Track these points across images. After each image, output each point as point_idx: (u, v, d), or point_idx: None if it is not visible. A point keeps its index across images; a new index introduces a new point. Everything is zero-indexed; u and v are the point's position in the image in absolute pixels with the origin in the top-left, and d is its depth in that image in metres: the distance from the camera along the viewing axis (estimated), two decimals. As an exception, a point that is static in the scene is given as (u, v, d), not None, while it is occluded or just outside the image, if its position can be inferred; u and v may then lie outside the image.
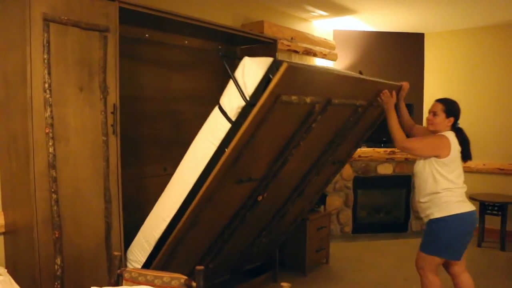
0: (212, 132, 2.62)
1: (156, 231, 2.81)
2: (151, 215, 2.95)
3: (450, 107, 2.99)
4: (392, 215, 5.96)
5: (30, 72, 2.24)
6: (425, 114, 5.86)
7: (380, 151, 5.63)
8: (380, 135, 5.76)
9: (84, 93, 2.49)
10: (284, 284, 1.60)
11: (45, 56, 2.29)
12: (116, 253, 1.93)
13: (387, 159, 5.66)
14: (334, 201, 5.57)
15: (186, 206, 2.69)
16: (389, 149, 5.62)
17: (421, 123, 5.86)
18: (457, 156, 2.94)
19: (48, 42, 2.29)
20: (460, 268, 3.12)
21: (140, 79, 3.33)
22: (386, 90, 3.17)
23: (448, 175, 2.91)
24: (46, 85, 2.30)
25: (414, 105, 5.73)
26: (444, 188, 2.92)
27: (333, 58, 5.42)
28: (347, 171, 5.61)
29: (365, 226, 5.76)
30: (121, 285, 1.85)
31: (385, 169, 5.72)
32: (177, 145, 3.65)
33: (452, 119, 2.98)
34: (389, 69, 5.84)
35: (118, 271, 1.87)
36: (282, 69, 2.17)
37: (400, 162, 5.70)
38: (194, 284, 1.75)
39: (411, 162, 5.69)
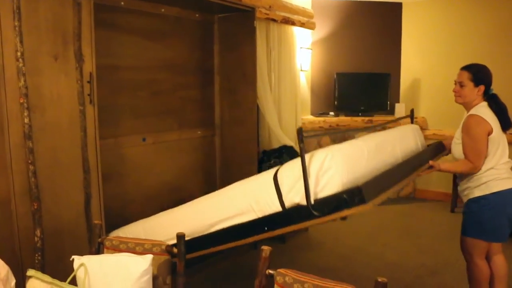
0: (257, 199, 2.25)
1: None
2: (170, 216, 2.79)
3: (478, 74, 2.67)
4: (370, 183, 6.06)
5: (1, 40, 2.17)
6: (403, 83, 5.96)
7: (358, 120, 5.69)
8: (358, 104, 5.83)
9: (59, 62, 2.43)
10: (264, 247, 1.63)
11: (16, 24, 2.22)
12: (96, 221, 1.93)
13: (365, 127, 5.72)
14: (313, 170, 5.62)
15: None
16: (366, 118, 5.68)
17: (397, 92, 5.92)
18: (497, 131, 2.61)
19: (19, 8, 2.22)
20: (494, 249, 2.79)
21: (116, 48, 3.26)
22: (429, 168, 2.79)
23: (491, 154, 2.62)
24: (19, 54, 2.23)
25: (391, 75, 5.79)
26: (488, 168, 2.63)
27: (311, 27, 5.38)
28: (326, 140, 5.66)
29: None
30: (102, 253, 1.85)
31: (363, 138, 5.78)
32: (156, 115, 3.64)
33: (482, 87, 2.66)
34: (366, 38, 5.84)
35: (99, 239, 1.88)
36: (360, 208, 1.84)
37: (378, 131, 5.76)
38: (175, 249, 1.77)
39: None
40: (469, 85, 2.68)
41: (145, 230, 2.79)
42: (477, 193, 2.65)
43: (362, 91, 5.86)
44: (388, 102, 5.82)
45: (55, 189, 2.47)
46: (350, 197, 1.86)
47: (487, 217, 2.63)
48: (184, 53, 3.87)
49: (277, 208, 2.17)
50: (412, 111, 3.61)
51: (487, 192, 2.61)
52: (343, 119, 5.66)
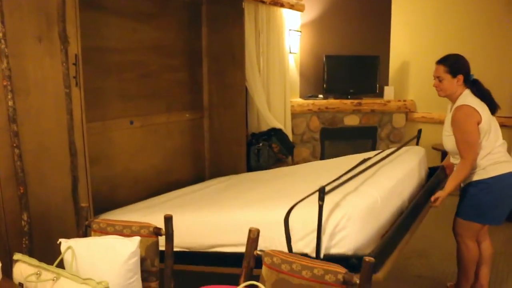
0: (264, 234, 1.97)
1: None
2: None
3: (454, 66, 2.68)
4: (358, 165, 6.11)
5: (-18, 20, 2.12)
6: (392, 66, 5.96)
7: (347, 103, 5.69)
8: (347, 87, 5.83)
9: (43, 44, 2.38)
10: (252, 228, 1.63)
11: (-3, 4, 2.16)
12: (83, 204, 1.92)
13: (353, 110, 5.74)
14: (302, 152, 5.64)
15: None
16: (355, 101, 5.69)
17: (386, 75, 5.92)
18: (486, 117, 2.60)
19: (0, -12, 2.16)
20: (484, 231, 2.86)
21: (103, 30, 3.21)
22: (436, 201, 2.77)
23: (484, 142, 2.62)
24: (0, 35, 2.18)
25: (380, 57, 5.78)
26: (485, 154, 2.63)
27: (300, 8, 5.33)
28: (314, 122, 5.67)
29: (332, 177, 5.90)
30: (90, 236, 1.85)
31: (352, 121, 5.81)
32: (144, 98, 3.60)
33: (461, 77, 2.65)
34: (356, 21, 5.81)
35: (86, 222, 1.87)
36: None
37: (367, 113, 5.79)
38: (163, 231, 1.77)
39: (377, 113, 5.81)
40: (447, 77, 2.68)
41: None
42: (476, 177, 2.67)
43: (351, 74, 5.85)
44: (377, 85, 5.83)
45: (41, 173, 2.45)
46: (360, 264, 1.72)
47: (485, 200, 2.65)
48: (172, 35, 3.82)
49: (283, 250, 2.06)
50: (419, 132, 3.49)
51: (486, 177, 2.63)
52: (332, 102, 5.66)
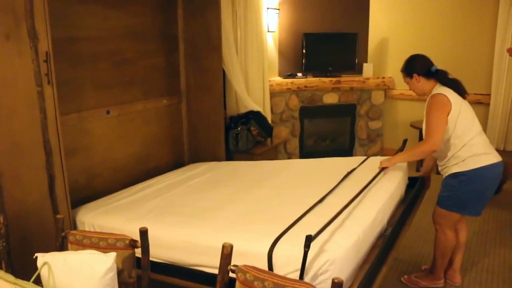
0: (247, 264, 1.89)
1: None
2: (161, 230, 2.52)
3: (406, 69, 2.83)
4: (338, 142, 6.18)
5: None
6: (371, 43, 5.95)
7: (326, 81, 5.70)
8: (326, 64, 5.82)
9: (11, 42, 2.31)
10: (225, 243, 1.66)
11: (-39, 2, 2.08)
12: (59, 216, 1.91)
13: (332, 88, 5.75)
14: (281, 131, 5.67)
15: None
16: (334, 79, 5.70)
17: (365, 52, 5.91)
18: (458, 103, 2.68)
19: (-37, -14, 2.07)
20: (462, 220, 2.99)
21: (74, 19, 3.11)
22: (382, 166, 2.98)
23: (459, 131, 2.67)
24: (-34, 35, 2.11)
25: (359, 34, 5.75)
26: (462, 145, 2.69)
27: (279, -15, 5.25)
28: (294, 101, 5.68)
29: (312, 154, 5.94)
30: (67, 247, 1.86)
31: (331, 99, 5.83)
32: (119, 86, 3.55)
33: (416, 76, 2.79)
34: (335, -3, 5.75)
35: (63, 233, 1.87)
36: None
37: (345, 91, 5.81)
38: (139, 244, 1.79)
39: (355, 91, 5.83)
40: (408, 80, 2.86)
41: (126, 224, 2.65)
42: (456, 169, 2.72)
43: (330, 51, 5.83)
44: (356, 62, 5.83)
45: (16, 173, 2.42)
46: None
47: (464, 192, 2.73)
48: (147, 20, 3.73)
49: None
50: (405, 141, 3.46)
51: (466, 169, 2.69)
52: (311, 80, 5.66)
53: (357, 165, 3.30)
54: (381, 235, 2.56)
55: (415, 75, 2.79)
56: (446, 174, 2.82)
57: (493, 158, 2.71)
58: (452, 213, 2.82)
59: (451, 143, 2.71)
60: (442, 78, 2.76)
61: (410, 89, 2.90)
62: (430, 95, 2.75)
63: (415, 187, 3.08)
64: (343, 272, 2.01)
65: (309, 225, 2.27)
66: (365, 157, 3.53)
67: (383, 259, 2.28)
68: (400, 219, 2.73)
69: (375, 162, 3.34)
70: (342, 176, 3.06)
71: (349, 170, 3.17)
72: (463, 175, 2.70)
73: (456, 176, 2.74)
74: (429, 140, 2.66)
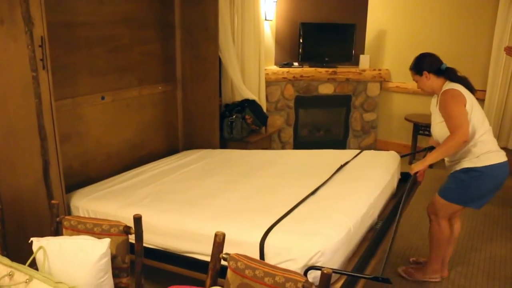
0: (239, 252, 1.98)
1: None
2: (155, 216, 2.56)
3: (416, 67, 2.82)
4: (332, 133, 6.21)
5: None
6: (368, 35, 5.93)
7: (322, 71, 5.69)
8: (322, 55, 5.81)
9: (5, 27, 2.30)
10: (218, 232, 1.68)
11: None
12: (54, 201, 1.93)
13: (328, 79, 5.75)
14: (276, 120, 5.69)
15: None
16: (330, 69, 5.70)
17: (363, 43, 5.91)
18: (470, 99, 2.68)
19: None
20: (458, 213, 3.00)
21: (69, 4, 3.09)
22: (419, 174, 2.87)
23: (472, 126, 2.66)
24: (-39, 20, 2.11)
25: (356, 26, 5.75)
26: (475, 141, 2.69)
27: (277, -27, 5.22)
28: (289, 90, 5.68)
29: (306, 144, 5.98)
30: (61, 233, 1.88)
31: (326, 89, 5.84)
32: (115, 72, 3.55)
33: (426, 73, 2.78)
34: (334, -14, 5.72)
35: (58, 219, 1.89)
36: None
37: (341, 82, 5.81)
38: (132, 230, 1.81)
39: (351, 82, 5.84)
40: (417, 78, 2.83)
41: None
42: (469, 164, 2.71)
43: (327, 42, 5.82)
44: (353, 53, 5.83)
45: (11, 158, 2.43)
46: None
47: (475, 186, 2.73)
48: (143, 6, 3.71)
49: None
50: (430, 148, 3.24)
51: (479, 165, 2.68)
52: (307, 70, 5.65)
53: (350, 158, 3.33)
54: (372, 228, 2.60)
55: (425, 73, 2.78)
56: (457, 169, 2.79)
57: (504, 156, 2.74)
58: (455, 204, 2.83)
59: None
60: (452, 75, 2.76)
61: (419, 87, 2.88)
62: (441, 92, 2.75)
63: (408, 182, 3.10)
64: (333, 264, 2.05)
65: (301, 217, 2.31)
66: (359, 151, 3.57)
67: (373, 252, 2.32)
68: (391, 214, 2.77)
69: (368, 156, 3.37)
70: (335, 169, 3.09)
71: (342, 163, 3.20)
72: (475, 170, 2.70)
73: (468, 171, 2.72)
74: (459, 131, 2.59)
